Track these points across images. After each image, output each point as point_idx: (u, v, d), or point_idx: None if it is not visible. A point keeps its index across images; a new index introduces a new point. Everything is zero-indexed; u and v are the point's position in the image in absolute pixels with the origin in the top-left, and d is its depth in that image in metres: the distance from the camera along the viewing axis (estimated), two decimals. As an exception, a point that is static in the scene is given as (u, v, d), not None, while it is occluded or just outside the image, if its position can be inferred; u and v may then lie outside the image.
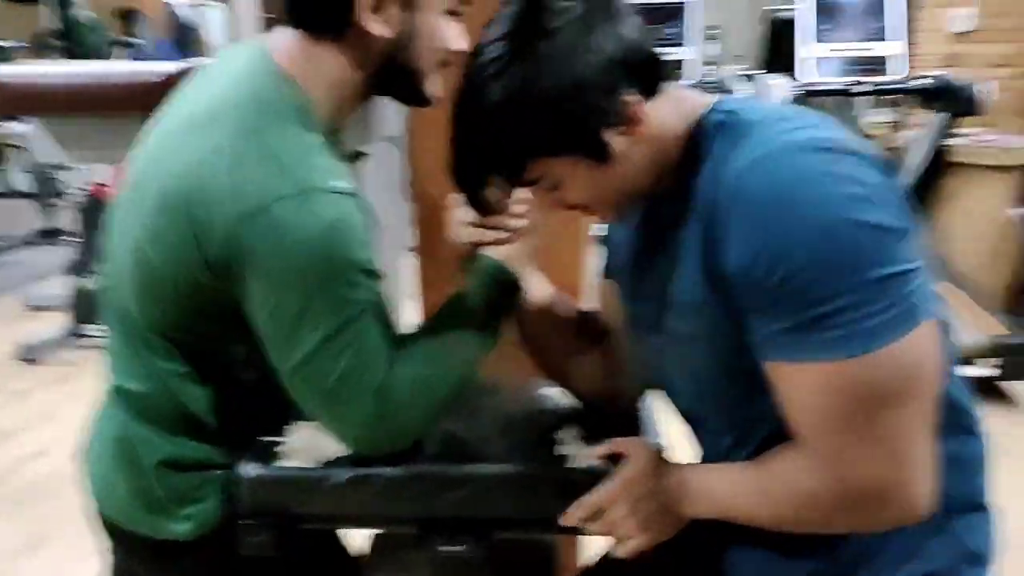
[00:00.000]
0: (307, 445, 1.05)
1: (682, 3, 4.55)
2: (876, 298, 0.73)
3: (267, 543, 1.01)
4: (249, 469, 1.01)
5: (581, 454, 1.02)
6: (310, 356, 0.92)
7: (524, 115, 0.81)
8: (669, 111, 0.87)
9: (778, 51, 5.57)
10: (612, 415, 1.12)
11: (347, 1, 0.93)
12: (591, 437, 1.07)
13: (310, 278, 0.89)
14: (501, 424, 1.10)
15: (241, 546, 1.01)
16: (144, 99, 1.60)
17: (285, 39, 0.98)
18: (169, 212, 0.92)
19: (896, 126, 5.21)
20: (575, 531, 0.99)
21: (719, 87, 4.28)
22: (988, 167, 4.08)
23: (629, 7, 0.86)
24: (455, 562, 1.05)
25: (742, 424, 0.93)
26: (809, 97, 4.45)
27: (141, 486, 1.03)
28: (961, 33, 5.05)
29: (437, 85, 1.01)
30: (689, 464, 0.98)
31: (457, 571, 1.06)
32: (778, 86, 4.03)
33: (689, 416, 1.03)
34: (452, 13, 0.99)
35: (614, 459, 0.98)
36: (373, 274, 0.93)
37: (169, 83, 1.70)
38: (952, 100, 4.07)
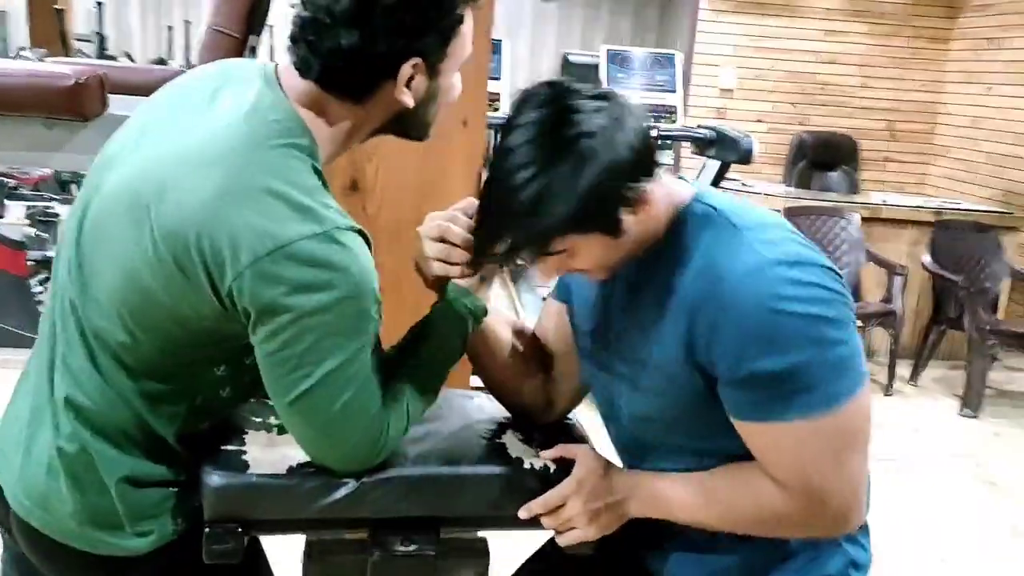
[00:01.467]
0: (270, 452, 1.06)
1: (500, 39, 4.82)
2: (837, 372, 0.94)
3: (232, 551, 1.02)
4: (216, 477, 1.00)
5: (529, 456, 1.13)
6: (316, 387, 0.93)
7: (564, 206, 0.92)
8: (661, 191, 1.00)
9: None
10: (545, 424, 1.24)
11: (382, 77, 0.96)
12: (528, 441, 1.17)
13: (335, 311, 0.91)
14: (450, 429, 1.18)
15: (206, 554, 1.01)
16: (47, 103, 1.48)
17: (300, 81, 0.98)
18: (178, 246, 0.90)
19: (674, 169, 5.82)
20: (531, 525, 1.09)
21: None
22: (756, 210, 4.66)
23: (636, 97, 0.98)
24: (407, 562, 1.11)
25: (687, 456, 1.08)
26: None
27: (98, 502, 0.99)
28: (727, 89, 5.76)
29: (435, 123, 1.07)
30: (638, 470, 1.12)
31: (407, 570, 1.12)
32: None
33: (632, 444, 1.16)
34: None
35: (559, 462, 1.10)
36: (380, 304, 0.97)
37: (78, 89, 1.58)
38: (727, 149, 4.64)
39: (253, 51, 2.11)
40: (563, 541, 1.09)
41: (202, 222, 0.90)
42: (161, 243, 0.92)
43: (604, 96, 0.94)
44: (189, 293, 0.92)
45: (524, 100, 0.96)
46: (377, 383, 0.99)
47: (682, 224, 1.02)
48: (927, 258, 4.32)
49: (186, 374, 1.00)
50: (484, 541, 1.21)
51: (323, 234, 0.90)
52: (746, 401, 0.97)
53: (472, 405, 1.28)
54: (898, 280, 4.15)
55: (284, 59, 1.01)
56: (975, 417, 3.87)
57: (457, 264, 1.07)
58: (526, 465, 1.11)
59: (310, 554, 1.19)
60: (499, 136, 0.96)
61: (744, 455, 1.01)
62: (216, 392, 1.04)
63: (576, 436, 1.22)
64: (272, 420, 1.12)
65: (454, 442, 1.16)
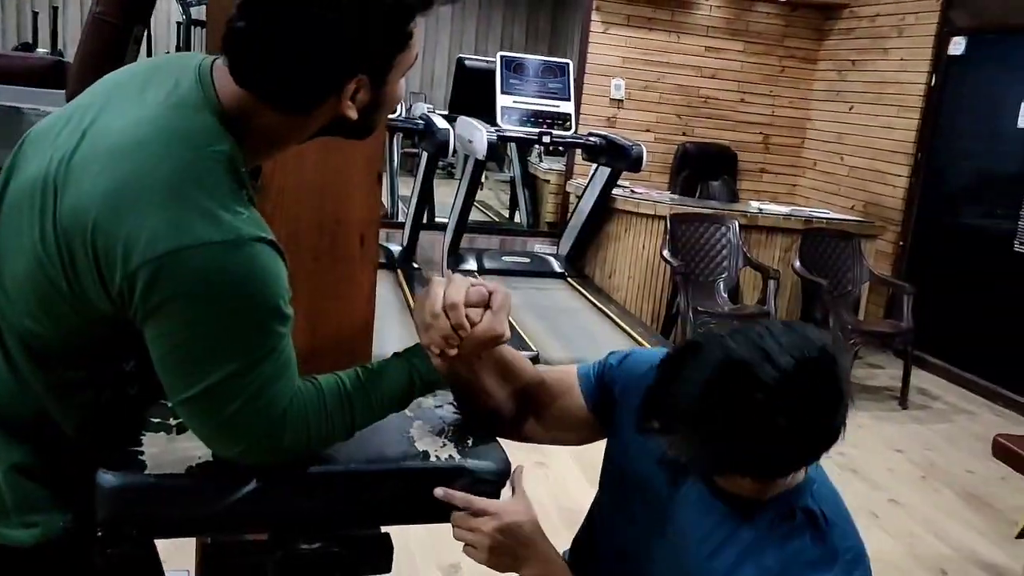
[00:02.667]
0: (168, 452, 1.05)
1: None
2: None
3: (126, 554, 1.00)
4: (110, 477, 0.98)
5: (436, 448, 1.15)
6: (209, 390, 0.91)
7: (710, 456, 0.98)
8: None
9: (470, 96, 6.08)
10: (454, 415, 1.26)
11: (326, 94, 0.93)
12: (437, 432, 1.20)
13: (226, 321, 0.90)
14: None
15: (99, 556, 0.99)
16: None
17: (235, 86, 0.93)
18: (74, 234, 0.88)
19: (566, 174, 5.95)
20: (436, 519, 1.12)
21: (426, 122, 4.59)
22: (643, 215, 4.85)
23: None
24: (311, 560, 1.12)
25: None
26: (504, 142, 4.95)
27: None
28: (617, 100, 5.94)
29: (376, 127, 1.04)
30: (556, 553, 1.16)
31: (311, 569, 1.13)
32: (479, 130, 4.41)
33: None
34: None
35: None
36: (286, 318, 0.95)
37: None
38: (617, 157, 4.80)
39: (138, 40, 2.05)
40: (464, 550, 1.13)
41: (99, 215, 0.87)
42: (60, 230, 0.89)
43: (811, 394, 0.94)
44: (82, 284, 0.90)
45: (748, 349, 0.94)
46: (279, 394, 0.96)
47: (791, 515, 1.05)
48: (797, 263, 4.60)
49: (93, 367, 0.98)
50: (388, 536, 1.23)
51: (224, 242, 0.88)
52: None
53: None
54: (772, 283, 4.39)
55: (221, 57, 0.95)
56: (835, 438, 4.13)
57: (433, 343, 1.07)
58: (432, 458, 1.13)
59: (207, 557, 1.18)
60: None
61: None
62: (123, 389, 1.02)
63: (485, 431, 1.24)
64: (172, 421, 1.11)
65: (360, 437, 1.15)
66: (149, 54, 5.55)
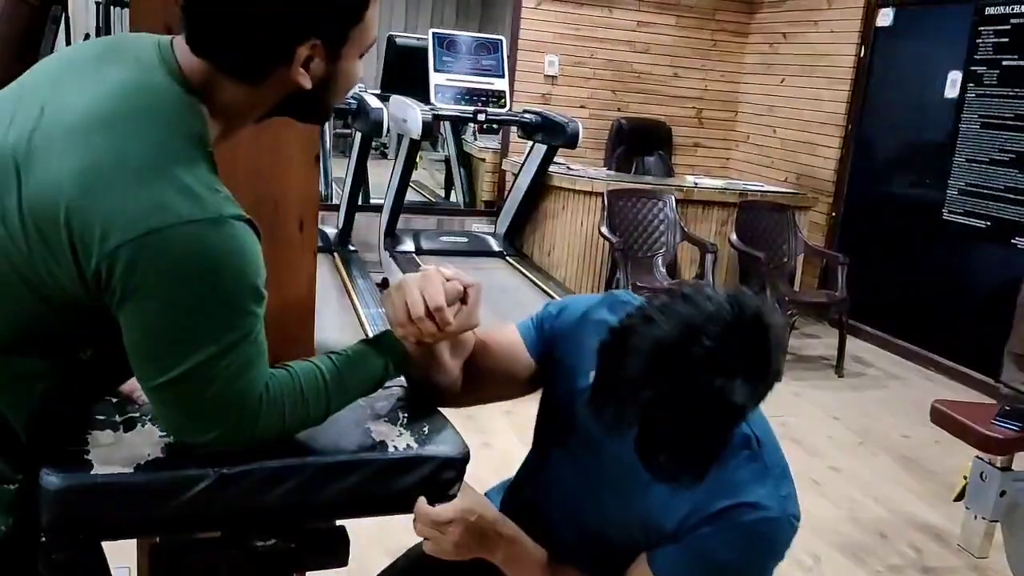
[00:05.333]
0: (116, 450, 0.99)
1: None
2: None
3: (73, 560, 0.95)
4: (55, 479, 0.93)
5: (393, 438, 1.12)
6: (188, 374, 0.89)
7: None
8: None
9: (402, 74, 5.98)
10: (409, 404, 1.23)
11: (280, 60, 0.92)
12: (393, 421, 1.17)
13: (205, 302, 0.88)
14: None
15: (43, 564, 0.93)
16: None
17: (194, 58, 0.92)
18: (46, 216, 0.85)
19: (501, 152, 5.91)
20: (395, 511, 1.10)
21: (359, 102, 4.49)
22: (580, 192, 4.86)
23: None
24: (266, 558, 1.08)
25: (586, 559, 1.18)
26: (438, 120, 4.89)
27: None
28: (551, 76, 5.92)
29: (332, 108, 1.04)
30: (517, 529, 1.17)
31: (267, 566, 1.09)
32: (413, 109, 4.34)
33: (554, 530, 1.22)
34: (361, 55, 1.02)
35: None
36: (262, 298, 0.94)
37: None
38: (554, 134, 4.79)
39: (56, 20, 1.95)
40: (426, 548, 1.13)
41: (73, 194, 0.84)
42: (28, 211, 0.86)
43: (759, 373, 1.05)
44: (52, 266, 0.86)
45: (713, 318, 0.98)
46: (256, 377, 0.95)
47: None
48: (733, 236, 4.67)
49: (49, 357, 0.94)
50: (343, 529, 1.20)
51: (204, 220, 0.87)
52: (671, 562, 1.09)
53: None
54: (709, 257, 4.45)
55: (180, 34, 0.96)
56: (778, 380, 4.24)
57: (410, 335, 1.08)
58: (390, 448, 1.11)
59: (156, 556, 1.13)
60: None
61: None
62: (76, 380, 0.98)
63: (440, 417, 1.22)
64: (118, 418, 1.06)
65: (316, 430, 1.11)
66: (67, 35, 5.30)
